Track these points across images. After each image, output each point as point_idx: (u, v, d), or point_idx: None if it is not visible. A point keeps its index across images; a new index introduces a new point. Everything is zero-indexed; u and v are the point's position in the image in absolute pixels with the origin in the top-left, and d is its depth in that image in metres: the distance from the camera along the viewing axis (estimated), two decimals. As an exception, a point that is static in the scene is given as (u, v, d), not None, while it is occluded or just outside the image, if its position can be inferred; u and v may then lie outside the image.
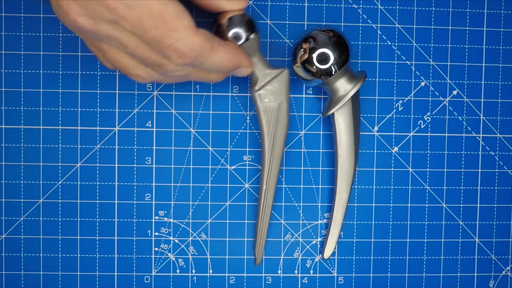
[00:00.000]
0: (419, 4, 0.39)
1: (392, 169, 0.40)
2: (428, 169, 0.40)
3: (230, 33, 0.32)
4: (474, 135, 0.40)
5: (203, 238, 0.39)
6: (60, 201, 0.38)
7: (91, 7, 0.27)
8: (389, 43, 0.39)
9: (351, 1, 0.39)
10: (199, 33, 0.29)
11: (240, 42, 0.32)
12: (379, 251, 0.40)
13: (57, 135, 0.38)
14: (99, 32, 0.28)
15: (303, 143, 0.39)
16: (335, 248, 0.39)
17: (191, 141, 0.39)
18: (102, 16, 0.28)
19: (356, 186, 0.40)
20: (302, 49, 0.35)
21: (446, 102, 0.40)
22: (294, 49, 0.35)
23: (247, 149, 0.39)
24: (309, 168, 0.39)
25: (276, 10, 0.38)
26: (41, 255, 0.39)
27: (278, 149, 0.37)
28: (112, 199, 0.39)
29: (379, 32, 0.39)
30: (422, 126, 0.40)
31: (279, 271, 0.40)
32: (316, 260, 0.40)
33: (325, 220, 0.40)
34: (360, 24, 0.39)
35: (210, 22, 0.35)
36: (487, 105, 0.40)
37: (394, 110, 0.39)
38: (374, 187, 0.40)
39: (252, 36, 0.33)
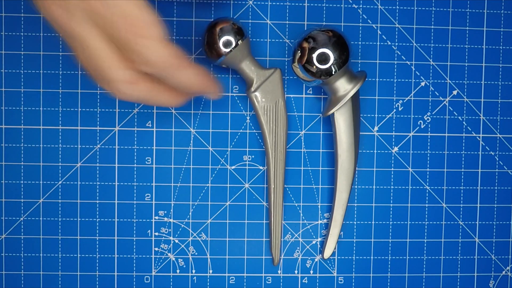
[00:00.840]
0: (419, 4, 0.39)
1: (392, 169, 0.40)
2: (428, 169, 0.40)
3: (221, 40, 0.34)
4: (474, 135, 0.40)
5: (203, 238, 0.39)
6: (60, 201, 0.38)
7: (70, 1, 0.27)
8: (389, 43, 0.39)
9: (351, 1, 0.39)
10: (168, 47, 0.29)
11: (230, 48, 0.34)
12: (379, 251, 0.40)
13: (57, 135, 0.38)
14: (68, 27, 0.28)
15: (303, 143, 0.39)
16: (335, 248, 0.39)
17: (191, 141, 0.39)
18: (77, 9, 0.28)
19: (356, 186, 0.40)
20: (302, 49, 0.35)
21: (446, 102, 0.40)
22: (294, 49, 0.35)
23: (247, 149, 0.39)
24: (309, 168, 0.39)
25: (276, 10, 0.38)
26: (41, 255, 0.39)
27: (281, 146, 0.37)
28: (112, 199, 0.39)
29: (379, 32, 0.39)
30: (422, 126, 0.40)
31: (279, 271, 0.40)
32: (316, 260, 0.40)
33: (325, 220, 0.40)
34: (360, 24, 0.39)
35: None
36: (487, 105, 0.40)
37: (394, 110, 0.39)
38: (374, 187, 0.40)
39: (241, 41, 0.35)
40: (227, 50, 0.34)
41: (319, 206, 0.40)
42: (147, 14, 0.28)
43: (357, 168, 0.39)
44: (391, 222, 0.40)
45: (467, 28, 0.39)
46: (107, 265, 0.39)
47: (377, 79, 0.39)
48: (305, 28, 0.38)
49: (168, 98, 0.32)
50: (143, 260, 0.39)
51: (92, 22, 0.28)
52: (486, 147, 0.40)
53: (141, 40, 0.28)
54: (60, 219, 0.39)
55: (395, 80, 0.39)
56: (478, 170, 0.40)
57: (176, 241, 0.39)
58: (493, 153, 0.40)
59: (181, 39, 0.38)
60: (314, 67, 0.34)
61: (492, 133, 0.40)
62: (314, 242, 0.40)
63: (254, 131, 0.39)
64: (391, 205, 0.40)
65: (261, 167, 0.39)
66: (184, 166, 0.39)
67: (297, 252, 0.40)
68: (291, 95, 0.39)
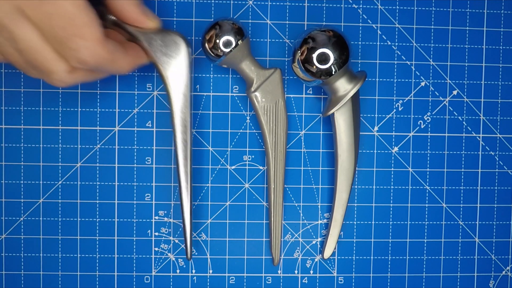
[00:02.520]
0: (419, 4, 0.39)
1: (392, 169, 0.40)
2: (428, 169, 0.40)
3: (221, 40, 0.34)
4: (474, 135, 0.40)
5: (203, 238, 0.39)
6: (60, 201, 0.38)
7: None
8: (389, 43, 0.39)
9: (351, 1, 0.39)
10: (105, 45, 0.29)
11: (230, 48, 0.34)
12: (379, 251, 0.40)
13: (57, 135, 0.38)
14: None
15: (303, 143, 0.39)
16: (335, 248, 0.39)
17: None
18: (5, 3, 0.27)
19: (356, 186, 0.40)
20: (302, 49, 0.35)
21: (446, 102, 0.40)
22: (294, 49, 0.35)
23: (247, 149, 0.39)
24: (309, 168, 0.39)
25: (276, 10, 0.38)
26: (41, 255, 0.39)
27: (281, 146, 0.37)
28: (112, 199, 0.39)
29: (379, 32, 0.39)
30: (422, 126, 0.40)
31: (279, 271, 0.40)
32: (316, 260, 0.40)
33: (325, 220, 0.40)
34: (360, 24, 0.39)
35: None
36: (487, 105, 0.40)
37: (394, 110, 0.39)
38: (374, 187, 0.40)
39: (241, 41, 0.34)
40: (227, 50, 0.34)
41: (319, 206, 0.40)
42: (86, 15, 0.28)
43: (357, 168, 0.39)
44: (391, 222, 0.40)
45: (467, 28, 0.39)
46: (107, 265, 0.39)
47: (377, 79, 0.39)
48: (305, 28, 0.38)
49: (104, 75, 0.33)
50: (143, 260, 0.39)
51: (23, 16, 0.27)
52: (486, 147, 0.40)
53: (79, 39, 0.28)
54: (60, 219, 0.39)
55: (395, 80, 0.39)
56: (478, 170, 0.40)
57: (176, 241, 0.39)
58: (493, 153, 0.40)
59: (181, 39, 0.38)
60: (314, 67, 0.34)
61: (492, 133, 0.40)
62: (314, 242, 0.40)
63: (254, 131, 0.39)
64: (391, 205, 0.40)
65: (261, 167, 0.39)
66: (184, 166, 0.39)
67: (297, 252, 0.40)
68: (291, 95, 0.39)
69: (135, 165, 0.39)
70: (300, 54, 0.35)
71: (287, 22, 0.38)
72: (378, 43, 0.39)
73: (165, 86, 0.35)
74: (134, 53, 0.33)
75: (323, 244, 0.40)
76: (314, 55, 0.34)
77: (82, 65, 0.29)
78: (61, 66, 0.29)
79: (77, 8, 0.27)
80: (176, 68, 0.34)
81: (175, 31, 0.34)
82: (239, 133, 0.39)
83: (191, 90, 0.35)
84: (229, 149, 0.39)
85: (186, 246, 0.37)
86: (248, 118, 0.39)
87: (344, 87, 0.36)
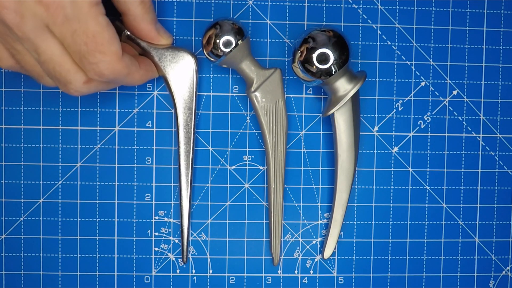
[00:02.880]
0: (419, 4, 0.39)
1: (392, 169, 0.40)
2: (428, 169, 0.40)
3: (221, 40, 0.34)
4: (474, 135, 0.40)
5: (203, 238, 0.39)
6: (60, 201, 0.38)
7: (27, 5, 0.28)
8: (389, 43, 0.39)
9: (351, 1, 0.39)
10: (122, 60, 0.31)
11: (230, 48, 0.34)
12: (379, 251, 0.40)
13: (57, 135, 0.38)
14: (19, 31, 0.28)
15: (303, 143, 0.39)
16: (335, 248, 0.39)
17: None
18: (34, 16, 0.28)
19: (356, 186, 0.40)
20: (302, 49, 0.35)
21: (446, 102, 0.40)
22: (294, 49, 0.35)
23: (247, 149, 0.39)
24: (309, 168, 0.39)
25: (276, 10, 0.38)
26: (41, 255, 0.39)
27: (281, 146, 0.37)
28: (112, 199, 0.39)
29: (379, 32, 0.39)
30: (422, 126, 0.40)
31: (279, 271, 0.40)
32: (316, 260, 0.40)
33: (325, 220, 0.40)
34: (360, 24, 0.39)
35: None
36: (487, 105, 0.40)
37: (394, 110, 0.39)
38: (374, 187, 0.40)
39: (241, 41, 0.34)
40: (227, 50, 0.34)
41: (319, 206, 0.40)
42: (107, 32, 0.29)
43: (357, 168, 0.39)
44: (391, 222, 0.40)
45: (467, 28, 0.39)
46: (107, 265, 0.39)
47: (377, 79, 0.39)
48: (305, 28, 0.38)
49: (116, 86, 0.35)
50: (143, 260, 0.39)
51: (49, 32, 0.29)
52: (486, 147, 0.40)
53: (99, 54, 0.30)
54: (60, 219, 0.39)
55: (395, 80, 0.39)
56: (478, 170, 0.40)
57: (176, 241, 0.39)
58: (493, 153, 0.40)
59: (181, 39, 0.38)
60: (314, 67, 0.34)
61: (492, 133, 0.40)
62: (314, 242, 0.40)
63: (254, 131, 0.39)
64: (391, 205, 0.40)
65: (261, 167, 0.39)
66: (184, 166, 0.39)
67: (297, 252, 0.40)
68: (291, 95, 0.39)
69: (135, 165, 0.39)
70: (300, 54, 0.35)
71: (287, 22, 0.38)
72: (378, 43, 0.39)
73: (172, 100, 0.36)
74: (147, 67, 0.35)
75: (323, 244, 0.40)
76: (314, 55, 0.34)
77: (99, 77, 0.31)
78: (78, 77, 0.31)
79: (100, 26, 0.29)
80: (184, 84, 0.36)
81: (185, 49, 0.36)
82: (239, 133, 0.39)
83: (196, 105, 0.37)
84: (229, 149, 0.39)
85: (182, 249, 0.38)
86: (248, 118, 0.39)
87: (344, 87, 0.36)
